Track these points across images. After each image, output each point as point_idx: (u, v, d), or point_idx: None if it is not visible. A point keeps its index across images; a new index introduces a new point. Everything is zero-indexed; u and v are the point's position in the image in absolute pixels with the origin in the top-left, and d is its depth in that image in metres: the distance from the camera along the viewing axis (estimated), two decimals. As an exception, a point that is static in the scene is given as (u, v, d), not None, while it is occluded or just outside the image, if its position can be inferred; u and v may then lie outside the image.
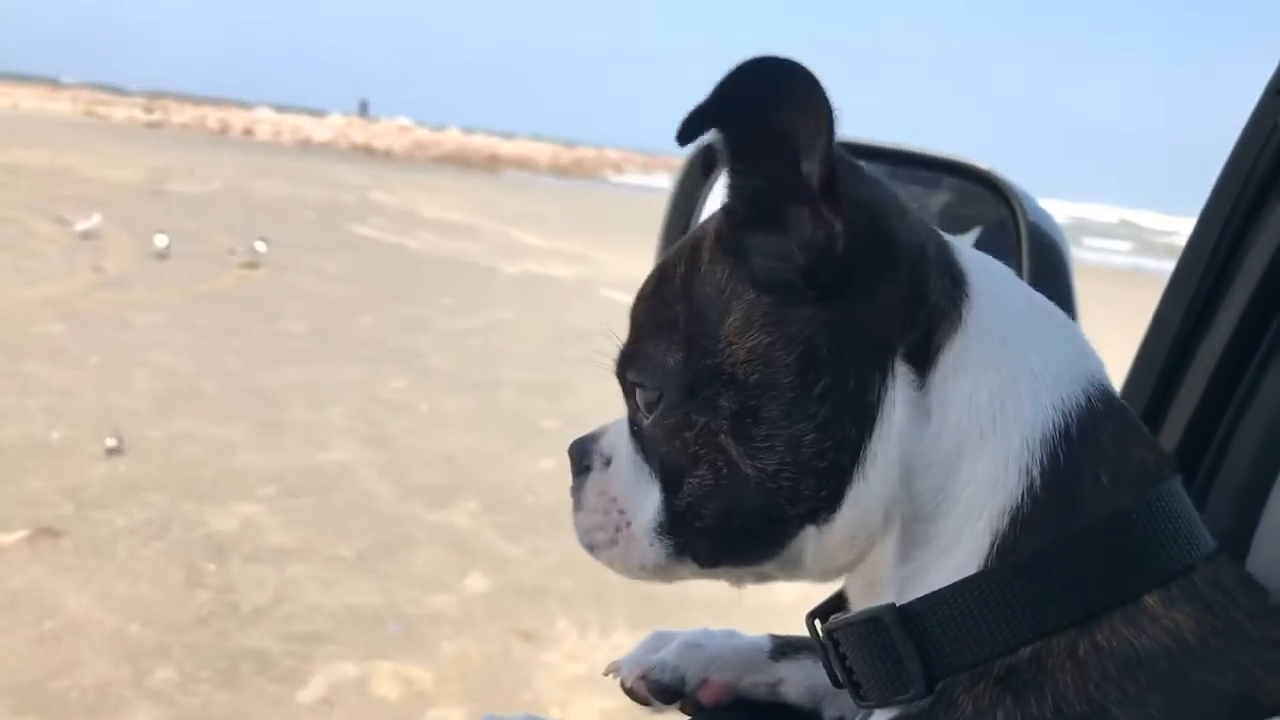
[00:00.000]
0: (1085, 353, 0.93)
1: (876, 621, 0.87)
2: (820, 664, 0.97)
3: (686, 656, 1.18)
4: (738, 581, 1.02)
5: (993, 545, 0.85)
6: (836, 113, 0.83)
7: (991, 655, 0.82)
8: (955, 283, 0.91)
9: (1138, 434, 0.90)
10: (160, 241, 14.39)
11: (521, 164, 59.68)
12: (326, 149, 48.11)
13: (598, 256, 20.11)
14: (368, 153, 49.36)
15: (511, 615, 5.51)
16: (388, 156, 49.10)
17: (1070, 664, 0.80)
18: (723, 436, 0.90)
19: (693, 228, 1.86)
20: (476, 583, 5.81)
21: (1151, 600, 0.81)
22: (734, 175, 0.91)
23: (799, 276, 0.88)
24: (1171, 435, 1.37)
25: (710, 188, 1.78)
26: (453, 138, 62.42)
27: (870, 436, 0.87)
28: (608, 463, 1.04)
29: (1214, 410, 1.35)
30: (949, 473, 0.87)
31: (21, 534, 5.80)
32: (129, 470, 6.79)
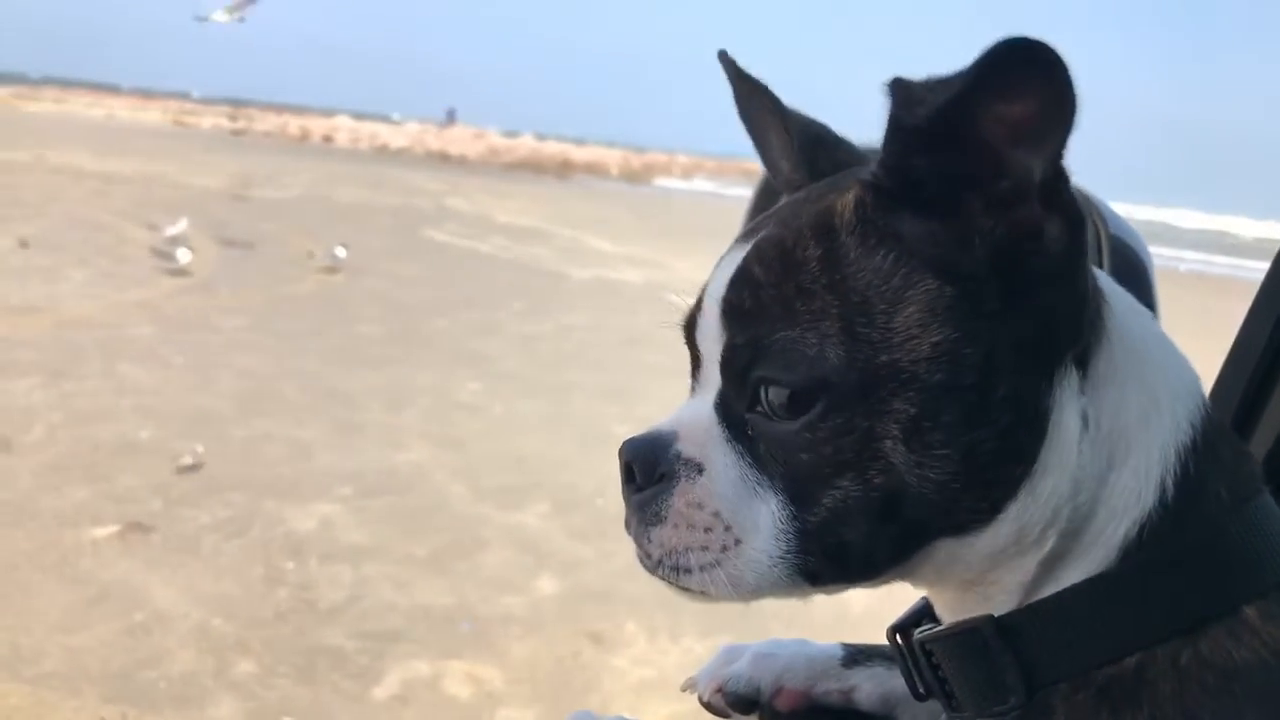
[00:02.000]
0: (1189, 364, 0.92)
1: (975, 633, 0.85)
2: (894, 671, 0.94)
3: (760, 666, 1.14)
4: (813, 595, 0.93)
5: (1120, 553, 0.83)
6: (1077, 106, 0.76)
7: (1095, 664, 0.80)
8: (1097, 288, 0.87)
9: (1243, 447, 0.90)
10: (341, 253, 14.84)
11: (592, 169, 59.95)
12: (403, 155, 48.97)
13: (668, 261, 20.10)
14: (443, 159, 50.06)
15: (581, 617, 5.54)
16: (462, 163, 49.72)
17: (1173, 673, 0.78)
18: (889, 443, 0.81)
19: None
20: (547, 584, 5.87)
21: (1250, 612, 0.80)
22: (899, 148, 0.82)
23: (986, 269, 0.81)
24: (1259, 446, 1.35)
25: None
26: (526, 144, 62.99)
27: (1044, 445, 0.82)
28: (699, 470, 0.90)
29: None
30: (1102, 483, 0.84)
31: (114, 529, 6.03)
32: (213, 469, 7.00)
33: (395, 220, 21.63)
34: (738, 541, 0.88)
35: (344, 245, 15.03)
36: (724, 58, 1.06)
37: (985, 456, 0.81)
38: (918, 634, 0.92)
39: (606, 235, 23.51)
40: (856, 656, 1.15)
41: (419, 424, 8.44)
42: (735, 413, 0.90)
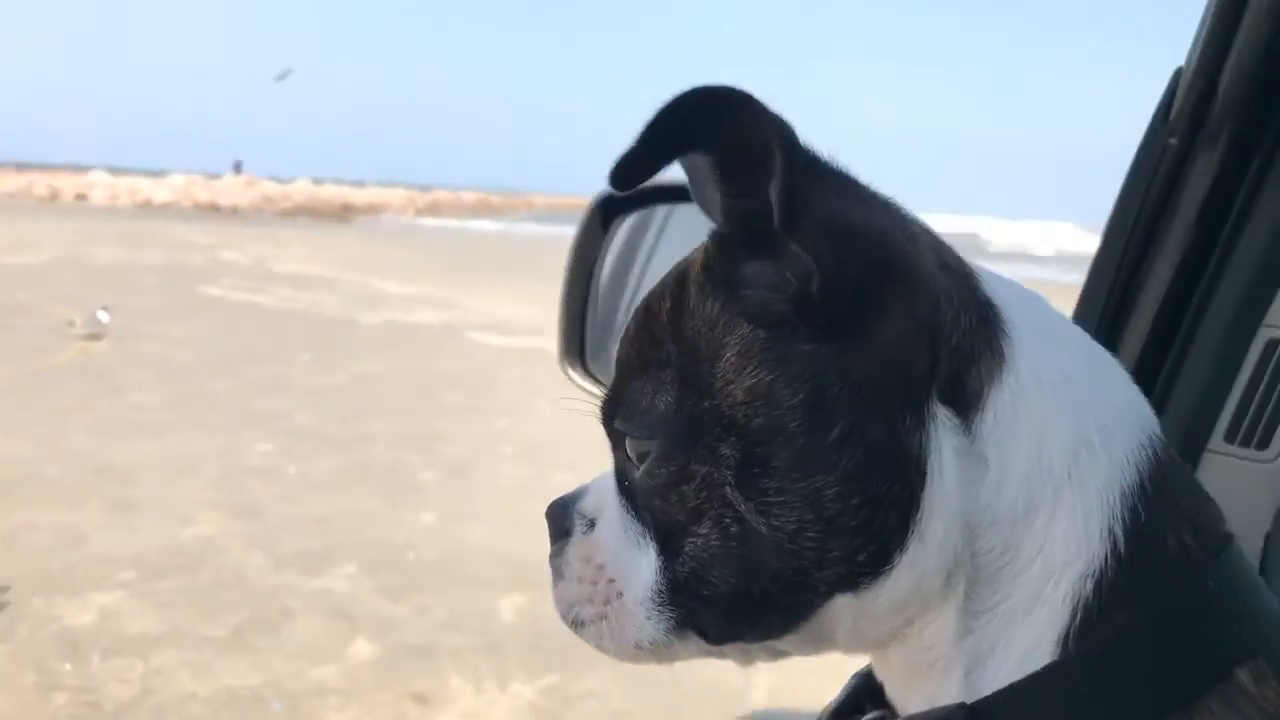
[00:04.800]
0: (1137, 394, 0.86)
1: None
2: None
3: None
4: (747, 659, 0.90)
5: (1074, 615, 0.75)
6: (793, 130, 0.76)
7: None
8: (985, 319, 0.81)
9: (1200, 487, 0.84)
10: (104, 317, 13.57)
11: (375, 211, 58.69)
12: (169, 210, 46.22)
13: (462, 300, 19.85)
14: (214, 211, 47.65)
15: (402, 679, 5.28)
16: (235, 213, 47.50)
17: None
18: (728, 489, 0.79)
19: (596, 279, 1.85)
20: (362, 649, 5.56)
21: (1243, 676, 0.74)
22: (724, 198, 0.82)
23: (791, 309, 0.79)
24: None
25: (612, 238, 1.75)
26: (302, 189, 60.84)
27: (922, 490, 0.77)
28: (591, 525, 0.92)
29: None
30: (1017, 530, 0.77)
31: None
32: (-33, 569, 6.26)
33: (163, 278, 20.31)
34: (620, 594, 0.88)
35: (106, 309, 13.91)
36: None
37: (834, 503, 0.77)
38: None
39: (395, 277, 22.97)
40: None
41: (206, 494, 7.87)
42: (619, 465, 0.91)
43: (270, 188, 59.04)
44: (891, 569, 0.78)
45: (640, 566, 0.86)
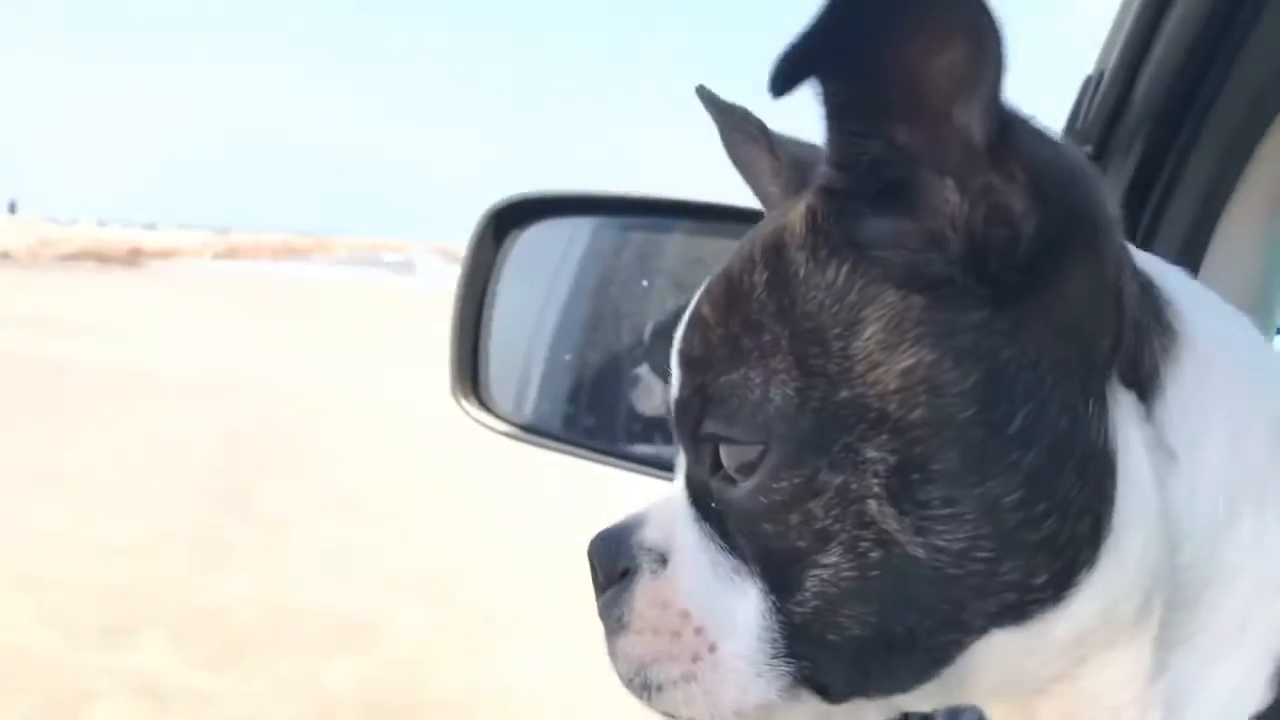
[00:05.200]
0: None
1: None
2: None
3: None
4: (858, 716, 0.73)
5: None
6: (1005, 39, 0.60)
7: None
8: (1146, 288, 0.69)
9: None
10: None
11: (168, 255, 55.49)
12: (-73, 254, 42.14)
13: (269, 346, 18.95)
14: (-18, 256, 43.74)
15: (222, 760, 4.91)
16: (6, 258, 43.78)
17: None
18: (872, 503, 0.64)
19: (490, 297, 1.73)
20: (175, 730, 5.14)
21: None
22: (840, 138, 0.66)
23: (960, 269, 0.64)
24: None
25: (506, 255, 1.65)
26: (85, 231, 56.90)
27: (1115, 492, 0.63)
28: (662, 561, 0.75)
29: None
30: (1218, 540, 0.64)
31: None
32: None
33: (-74, 330, 18.44)
34: (713, 647, 0.71)
35: None
36: (702, 92, 0.91)
37: (1015, 511, 0.63)
38: None
39: (195, 324, 21.72)
40: None
41: (-13, 567, 7.13)
42: (699, 483, 0.74)
43: (49, 229, 54.87)
44: (1075, 593, 0.64)
45: (738, 610, 0.70)
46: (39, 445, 10.58)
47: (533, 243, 1.71)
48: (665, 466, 1.63)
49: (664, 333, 1.79)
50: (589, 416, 1.77)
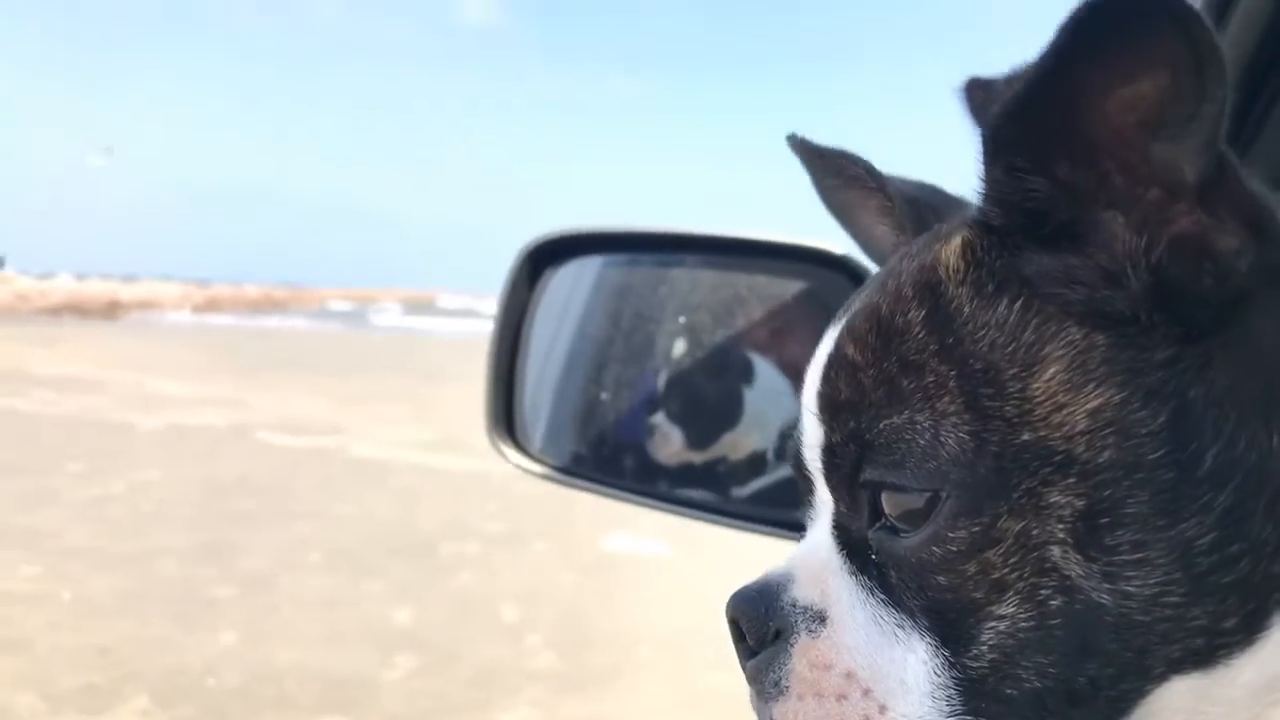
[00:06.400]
0: None
1: None
2: None
3: None
4: None
5: None
6: (1220, 66, 0.57)
7: None
8: None
9: None
10: None
11: (148, 307, 55.30)
12: (-99, 309, 41.74)
13: (249, 399, 18.77)
14: (-44, 311, 43.41)
15: (208, 827, 4.72)
16: (-17, 312, 43.46)
17: None
18: (1056, 549, 0.62)
19: (525, 341, 1.67)
20: (158, 796, 4.95)
21: None
22: (1002, 175, 0.65)
23: (1145, 307, 0.63)
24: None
25: (539, 298, 1.60)
26: (63, 285, 56.66)
27: None
28: (820, 620, 0.71)
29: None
30: None
31: None
32: None
33: (-101, 384, 18.17)
34: (883, 709, 0.68)
35: None
36: (793, 140, 0.89)
37: (1207, 555, 0.61)
38: None
39: (174, 376, 21.53)
40: None
41: (-40, 628, 6.91)
42: (855, 535, 0.71)
43: (26, 284, 54.62)
44: (1266, 636, 0.63)
45: (907, 668, 0.67)
46: (14, 503, 10.37)
47: (567, 281, 1.67)
48: (705, 509, 1.59)
49: (679, 381, 1.74)
50: (626, 457, 1.70)
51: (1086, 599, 0.62)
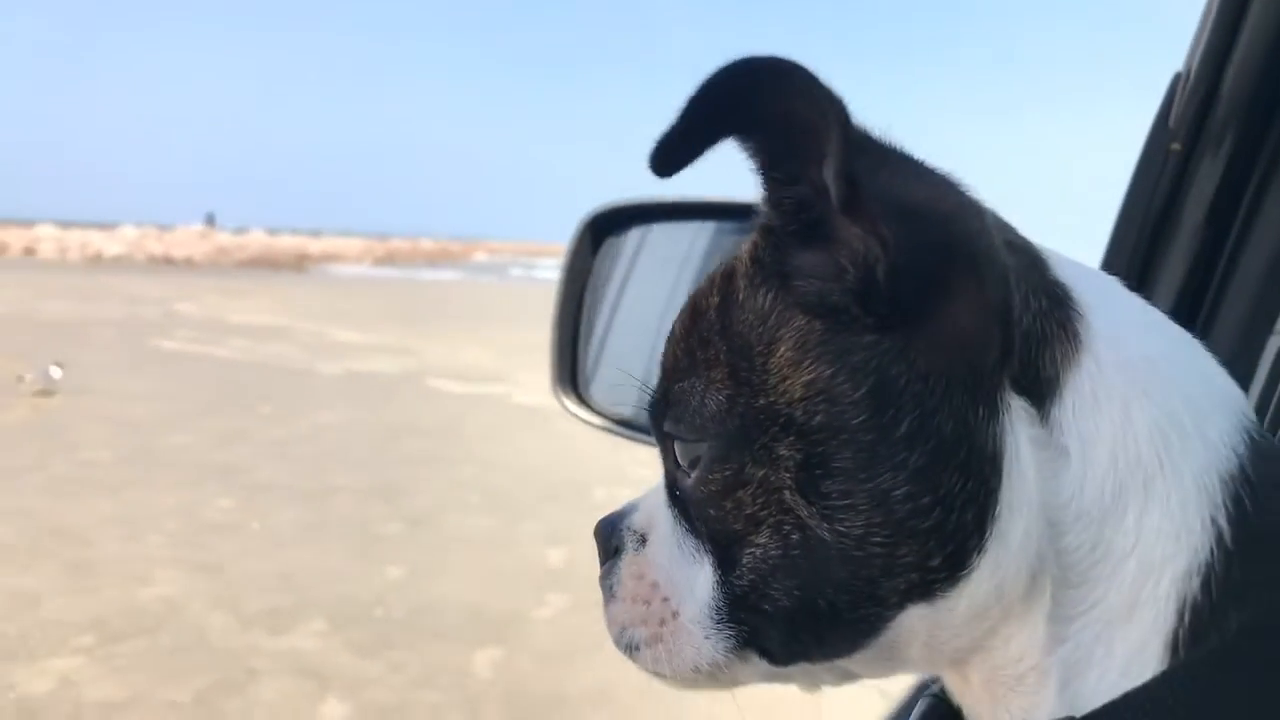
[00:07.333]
0: (1224, 374, 0.80)
1: None
2: None
3: None
4: (813, 682, 0.85)
5: (1181, 616, 0.69)
6: (846, 105, 0.71)
7: None
8: (1056, 300, 0.77)
9: None
10: (56, 373, 13.27)
11: (331, 260, 58.33)
12: (121, 263, 45.60)
13: (421, 347, 19.71)
14: (167, 263, 47.12)
15: (375, 739, 5.14)
16: (189, 265, 47.01)
17: None
18: (788, 493, 0.75)
19: (587, 306, 1.80)
20: (333, 709, 5.41)
21: None
22: (770, 185, 0.78)
23: (850, 298, 0.74)
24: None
25: (600, 263, 1.71)
26: (257, 240, 60.42)
27: (999, 486, 0.72)
28: (643, 541, 0.88)
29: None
30: (1107, 525, 0.71)
31: None
32: (-84, 638, 6.02)
33: (118, 332, 19.98)
34: (675, 613, 0.84)
35: (59, 364, 13.64)
36: None
37: (903, 503, 0.72)
38: None
39: (353, 326, 22.78)
40: None
41: (166, 552, 7.67)
42: (669, 474, 0.86)
43: (225, 239, 58.52)
44: (969, 573, 0.73)
45: (696, 582, 0.82)
46: (212, 440, 11.33)
47: (629, 249, 1.77)
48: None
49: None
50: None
51: (814, 535, 0.74)
